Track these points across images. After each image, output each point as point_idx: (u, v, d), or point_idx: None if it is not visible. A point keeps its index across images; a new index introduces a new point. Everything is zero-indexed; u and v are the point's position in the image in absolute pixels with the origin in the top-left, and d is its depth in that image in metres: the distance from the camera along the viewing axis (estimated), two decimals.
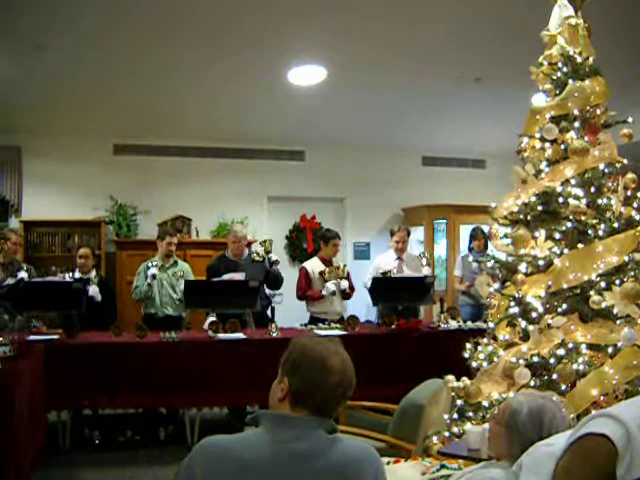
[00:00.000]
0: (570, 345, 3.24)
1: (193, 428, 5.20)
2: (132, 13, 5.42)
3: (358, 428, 3.73)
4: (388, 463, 2.89)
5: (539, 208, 3.57)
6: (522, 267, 3.51)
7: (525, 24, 4.46)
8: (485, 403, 3.45)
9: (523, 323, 3.45)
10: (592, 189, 3.50)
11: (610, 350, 3.21)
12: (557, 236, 3.46)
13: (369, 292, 5.97)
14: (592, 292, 3.29)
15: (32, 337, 5.04)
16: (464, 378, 3.66)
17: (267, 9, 5.44)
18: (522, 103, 4.13)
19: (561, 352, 3.23)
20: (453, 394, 3.67)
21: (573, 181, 3.51)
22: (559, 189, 3.51)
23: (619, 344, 3.17)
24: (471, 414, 3.49)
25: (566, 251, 3.42)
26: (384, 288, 5.99)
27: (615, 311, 3.19)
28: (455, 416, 3.57)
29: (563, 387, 3.14)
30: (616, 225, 3.40)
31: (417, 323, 5.86)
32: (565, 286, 3.36)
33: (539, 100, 3.85)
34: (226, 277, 5.74)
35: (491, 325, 3.75)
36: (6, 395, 3.60)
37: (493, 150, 8.79)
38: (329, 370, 1.76)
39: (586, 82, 3.65)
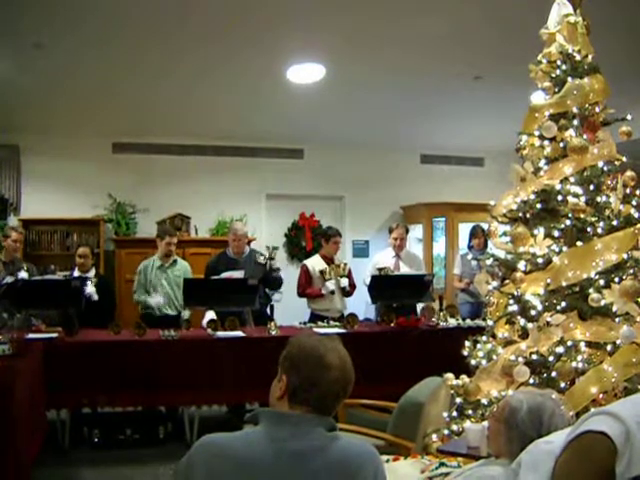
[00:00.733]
0: (569, 343, 3.24)
1: (192, 426, 5.21)
2: (131, 12, 5.40)
3: (357, 426, 3.74)
4: (387, 461, 2.90)
5: (538, 206, 3.57)
6: (521, 265, 3.51)
7: (524, 22, 4.45)
8: (484, 401, 3.46)
9: (522, 321, 3.45)
10: (591, 187, 3.50)
11: (609, 348, 3.21)
12: (556, 234, 3.46)
13: (368, 290, 5.98)
14: (591, 290, 3.29)
15: (31, 335, 5.03)
16: (463, 376, 3.66)
17: (265, 7, 5.43)
18: (521, 101, 4.12)
19: (560, 350, 3.23)
20: (452, 392, 3.67)
21: (572, 179, 3.51)
22: (558, 187, 3.51)
23: (618, 342, 3.17)
24: (470, 412, 3.49)
25: (565, 249, 3.42)
26: (383, 286, 5.99)
27: (614, 309, 3.20)
28: (454, 414, 3.57)
29: (562, 385, 3.15)
30: (615, 223, 3.40)
31: (416, 321, 5.86)
32: (564, 284, 3.36)
33: (538, 98, 3.85)
34: (225, 275, 5.74)
35: (490, 323, 3.74)
36: (5, 394, 3.60)
37: (492, 148, 8.79)
38: (327, 367, 1.76)
39: (585, 80, 3.65)
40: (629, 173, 3.56)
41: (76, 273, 6.00)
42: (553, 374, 3.19)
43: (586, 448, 1.64)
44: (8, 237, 5.91)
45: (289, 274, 6.28)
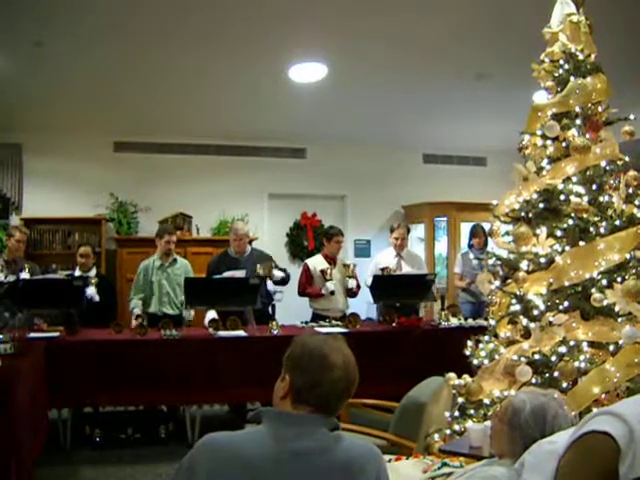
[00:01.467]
0: (571, 343, 3.24)
1: (194, 425, 5.21)
2: (132, 10, 5.41)
3: (359, 426, 3.73)
4: (390, 461, 2.89)
5: (540, 206, 3.56)
6: (523, 265, 3.51)
7: (526, 21, 4.44)
8: (486, 401, 3.46)
9: (524, 321, 3.44)
10: (594, 187, 3.49)
11: (612, 348, 3.21)
12: (559, 234, 3.46)
13: (370, 290, 5.97)
14: (593, 290, 3.29)
15: (33, 335, 5.03)
16: (465, 376, 3.66)
17: (267, 6, 5.43)
18: (523, 100, 4.12)
19: (562, 350, 3.23)
20: (454, 392, 3.67)
21: (575, 178, 3.51)
22: (560, 186, 3.51)
23: (620, 342, 3.16)
24: (472, 412, 3.49)
25: (568, 249, 3.41)
26: (385, 286, 5.98)
27: (617, 309, 3.19)
28: (456, 414, 3.57)
29: (564, 385, 3.14)
30: (618, 223, 3.39)
31: (418, 321, 5.86)
32: (566, 284, 3.36)
33: (541, 97, 3.85)
34: (227, 275, 5.74)
35: (492, 322, 3.74)
36: (7, 393, 3.60)
37: (494, 147, 8.78)
38: (330, 366, 1.75)
39: (588, 79, 3.65)
40: (632, 173, 3.55)
41: (77, 272, 6.00)
42: (555, 374, 3.18)
43: (589, 448, 1.63)
44: (12, 236, 5.91)
45: (291, 273, 6.25)
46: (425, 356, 5.29)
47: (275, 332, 5.35)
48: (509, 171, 3.78)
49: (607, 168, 3.55)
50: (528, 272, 3.47)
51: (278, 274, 5.81)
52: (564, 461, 1.70)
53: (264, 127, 8.17)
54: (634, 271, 3.33)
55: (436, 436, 3.47)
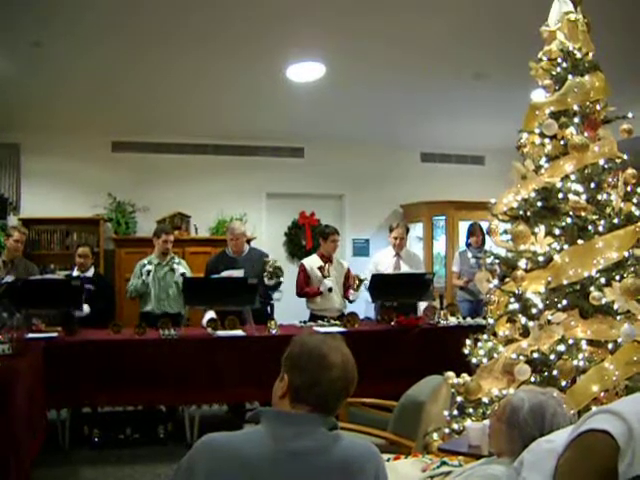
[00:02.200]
0: (570, 341, 3.24)
1: (192, 425, 5.20)
2: (130, 11, 5.39)
3: (358, 425, 3.73)
4: (388, 460, 2.89)
5: (539, 204, 3.57)
6: (522, 263, 3.51)
7: (524, 20, 4.44)
8: (485, 399, 3.46)
9: (523, 319, 3.44)
10: (592, 185, 3.50)
11: (610, 346, 3.21)
12: (557, 232, 3.46)
13: (368, 289, 5.97)
14: (592, 288, 3.29)
15: (31, 335, 5.02)
16: (464, 374, 3.66)
17: (265, 6, 5.42)
18: (521, 99, 4.12)
19: (561, 348, 3.23)
20: (453, 390, 3.67)
21: (573, 177, 3.51)
22: (559, 185, 3.51)
23: (619, 340, 3.17)
24: (471, 410, 3.49)
25: (566, 247, 3.41)
26: (383, 285, 5.98)
27: (615, 307, 3.20)
28: (455, 412, 3.57)
29: (563, 383, 3.15)
30: (616, 221, 3.40)
31: (416, 320, 5.86)
32: (565, 282, 3.36)
33: (539, 96, 3.85)
34: (225, 274, 5.73)
35: (491, 321, 3.74)
36: (5, 393, 3.60)
37: (492, 146, 8.79)
38: (328, 366, 1.75)
39: (586, 78, 3.65)
40: (630, 171, 3.56)
41: (75, 272, 5.99)
42: (554, 372, 3.18)
43: (588, 446, 1.63)
44: (10, 236, 5.90)
45: (289, 273, 6.25)
46: (424, 355, 5.29)
47: (274, 332, 5.35)
48: (507, 170, 3.79)
49: (605, 166, 3.55)
50: (526, 270, 3.47)
51: (269, 281, 5.80)
52: (563, 459, 1.70)
53: (262, 127, 8.17)
54: (632, 269, 3.33)
55: (435, 435, 3.47)
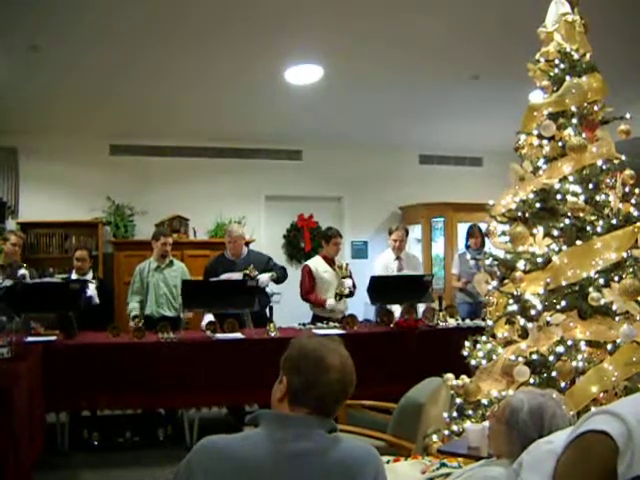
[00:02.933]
0: (569, 342, 3.24)
1: (192, 428, 5.19)
2: (128, 14, 5.40)
3: (357, 427, 3.73)
4: (388, 462, 2.88)
5: (537, 205, 3.56)
6: (520, 264, 3.50)
7: (522, 21, 4.45)
8: (484, 401, 3.45)
9: (522, 321, 3.44)
10: (590, 186, 3.49)
11: (609, 347, 3.21)
12: (555, 233, 3.46)
13: (367, 291, 5.95)
14: (591, 289, 3.28)
15: (30, 338, 5.03)
16: (463, 376, 3.65)
17: (263, 8, 5.43)
18: (519, 100, 4.12)
19: (560, 349, 3.23)
20: (452, 392, 3.67)
21: (571, 178, 3.51)
22: (557, 186, 3.51)
23: (618, 341, 3.17)
24: (470, 412, 3.48)
25: (564, 248, 3.41)
26: (382, 287, 5.97)
27: (614, 308, 3.19)
28: (454, 414, 3.57)
29: (562, 384, 3.14)
30: (614, 222, 3.39)
31: (415, 322, 5.85)
32: (564, 283, 3.36)
33: (536, 97, 3.85)
34: (224, 277, 5.73)
35: (490, 323, 3.74)
36: (5, 397, 3.59)
37: (490, 148, 8.78)
38: (327, 368, 1.75)
39: (583, 79, 3.65)
40: (628, 172, 3.56)
41: (74, 276, 5.98)
42: (553, 374, 3.18)
43: (587, 448, 1.63)
44: (7, 240, 5.89)
45: (288, 275, 6.24)
46: (423, 357, 5.28)
47: (272, 334, 5.35)
48: (505, 171, 3.78)
49: (603, 167, 3.55)
50: (525, 272, 3.47)
51: (264, 279, 5.79)
52: (562, 461, 1.70)
53: (260, 129, 8.17)
54: (631, 270, 3.32)
55: (434, 437, 3.47)
